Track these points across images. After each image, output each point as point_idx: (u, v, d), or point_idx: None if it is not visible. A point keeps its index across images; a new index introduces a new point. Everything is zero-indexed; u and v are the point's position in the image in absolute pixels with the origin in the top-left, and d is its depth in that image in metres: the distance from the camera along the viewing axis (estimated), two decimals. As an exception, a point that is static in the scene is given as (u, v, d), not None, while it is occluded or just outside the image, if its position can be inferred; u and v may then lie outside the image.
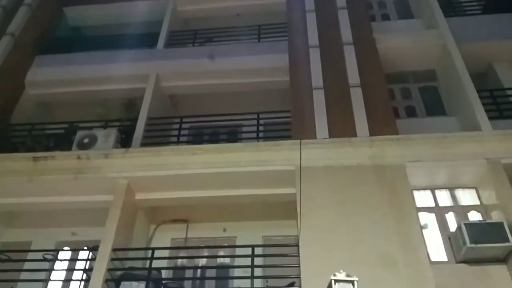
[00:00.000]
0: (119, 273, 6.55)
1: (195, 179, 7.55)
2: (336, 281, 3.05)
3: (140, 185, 7.64)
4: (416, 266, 5.90)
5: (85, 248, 7.26)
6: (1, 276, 6.89)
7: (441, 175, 7.13)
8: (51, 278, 7.23)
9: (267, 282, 6.74)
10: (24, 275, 7.16)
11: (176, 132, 8.63)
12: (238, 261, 7.11)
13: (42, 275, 7.05)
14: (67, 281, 7.26)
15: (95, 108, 9.69)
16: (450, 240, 6.47)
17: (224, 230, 8.08)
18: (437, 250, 6.54)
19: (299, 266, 6.10)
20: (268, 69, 9.29)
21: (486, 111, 7.67)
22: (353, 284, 3.05)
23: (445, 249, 6.53)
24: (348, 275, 3.11)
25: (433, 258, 6.31)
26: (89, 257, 7.14)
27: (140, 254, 7.39)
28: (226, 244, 7.98)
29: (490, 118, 7.54)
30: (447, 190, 7.18)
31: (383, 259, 5.91)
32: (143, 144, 8.16)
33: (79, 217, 7.99)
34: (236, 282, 7.01)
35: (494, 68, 9.14)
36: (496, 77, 9.00)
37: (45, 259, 7.16)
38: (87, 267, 7.01)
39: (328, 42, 9.18)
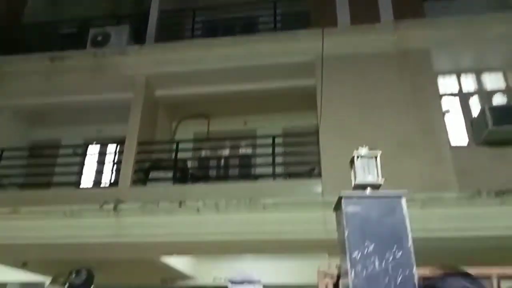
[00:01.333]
0: (147, 164, 6.85)
1: (212, 74, 7.47)
2: (358, 156, 3.09)
3: (158, 81, 7.64)
4: (436, 150, 5.98)
5: (113, 142, 7.54)
6: (36, 170, 7.31)
7: (468, 59, 6.87)
8: (84, 171, 7.66)
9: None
10: (57, 170, 7.55)
11: (189, 26, 8.34)
12: (259, 152, 7.31)
13: (74, 169, 7.45)
14: (99, 173, 7.69)
15: (105, 3, 9.32)
16: (472, 124, 6.43)
17: (245, 123, 8.20)
18: (458, 135, 6.57)
19: (319, 153, 6.25)
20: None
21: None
22: (375, 159, 3.09)
23: (467, 133, 6.55)
24: (371, 149, 3.14)
25: (453, 143, 6.36)
26: (117, 151, 7.44)
27: (165, 149, 7.65)
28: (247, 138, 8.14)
29: (525, -6, 7.00)
30: (473, 74, 6.97)
31: (403, 144, 5.98)
32: (157, 40, 7.97)
33: (104, 115, 8.15)
34: (258, 171, 7.29)
35: None
36: None
37: (75, 154, 7.50)
38: (115, 161, 7.35)
39: None
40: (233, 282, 2.37)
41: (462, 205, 5.41)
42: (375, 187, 3.00)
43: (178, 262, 7.91)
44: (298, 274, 7.52)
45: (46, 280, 9.15)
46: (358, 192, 2.97)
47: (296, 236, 5.78)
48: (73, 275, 3.23)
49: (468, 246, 5.24)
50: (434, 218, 5.24)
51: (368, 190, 2.98)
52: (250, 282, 2.36)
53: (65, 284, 3.26)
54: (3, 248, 6.50)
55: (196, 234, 6.09)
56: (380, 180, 3.01)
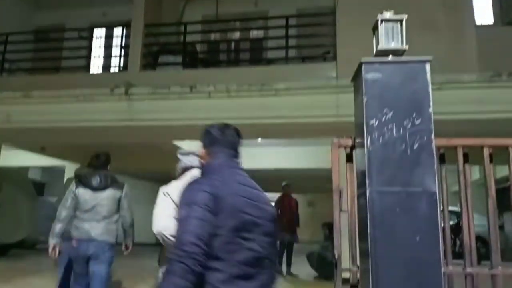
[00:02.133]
0: (155, 48, 6.62)
1: None
2: (382, 20, 2.84)
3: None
4: (459, 29, 5.63)
5: (119, 25, 7.20)
6: (43, 55, 7.14)
7: None
8: (92, 56, 7.43)
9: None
10: (65, 54, 7.34)
11: None
12: (271, 35, 6.97)
13: (82, 53, 7.23)
14: (107, 57, 7.48)
15: None
16: (501, 1, 5.96)
17: (256, 3, 7.65)
18: (484, 13, 6.13)
19: (335, 35, 5.94)
20: None
21: None
22: (401, 24, 2.85)
23: (493, 12, 6.10)
24: (397, 13, 2.89)
25: (478, 22, 5.96)
26: (124, 34, 7.14)
27: (173, 31, 7.30)
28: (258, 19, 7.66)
29: None
30: None
31: (426, 23, 5.60)
32: None
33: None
34: (270, 54, 7.02)
35: None
36: None
37: (81, 37, 7.22)
38: (123, 45, 7.10)
39: None
40: (181, 154, 2.56)
41: (481, 87, 5.24)
42: (398, 53, 2.82)
43: (191, 147, 8.10)
44: (310, 159, 7.72)
45: (66, 164, 9.60)
46: (380, 58, 2.80)
47: (308, 120, 5.76)
48: (94, 159, 3.56)
49: (486, 129, 5.18)
50: (452, 100, 5.09)
51: (391, 57, 2.80)
52: (194, 154, 2.55)
53: (88, 166, 3.59)
54: (19, 132, 6.64)
55: (207, 119, 6.04)
56: (405, 46, 2.82)
